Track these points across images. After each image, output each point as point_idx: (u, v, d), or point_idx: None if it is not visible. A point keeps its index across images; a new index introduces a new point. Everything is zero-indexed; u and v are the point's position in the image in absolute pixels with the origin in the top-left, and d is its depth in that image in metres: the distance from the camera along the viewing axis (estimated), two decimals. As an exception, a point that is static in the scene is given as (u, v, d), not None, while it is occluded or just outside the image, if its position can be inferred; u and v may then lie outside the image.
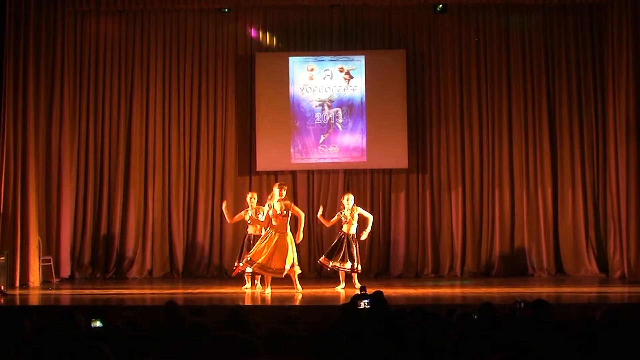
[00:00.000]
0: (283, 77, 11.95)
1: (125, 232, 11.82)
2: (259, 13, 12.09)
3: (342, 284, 9.90)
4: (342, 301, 8.45)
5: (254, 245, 9.67)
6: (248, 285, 9.95)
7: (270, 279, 9.57)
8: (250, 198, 10.22)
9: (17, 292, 10.02)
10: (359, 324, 4.90)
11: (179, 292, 10.00)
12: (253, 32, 12.10)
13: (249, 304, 8.69)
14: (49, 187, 11.23)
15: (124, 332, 4.90)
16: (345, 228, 9.96)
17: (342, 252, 9.84)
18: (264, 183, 11.94)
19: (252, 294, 9.64)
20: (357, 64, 11.98)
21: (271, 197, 9.64)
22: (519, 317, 5.34)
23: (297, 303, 8.81)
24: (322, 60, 12.02)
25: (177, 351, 4.07)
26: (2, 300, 9.10)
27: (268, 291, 9.48)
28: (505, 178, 11.86)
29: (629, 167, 10.74)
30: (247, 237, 10.20)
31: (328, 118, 11.98)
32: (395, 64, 11.93)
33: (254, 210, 10.11)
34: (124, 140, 11.94)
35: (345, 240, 9.89)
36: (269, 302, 8.92)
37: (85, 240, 11.76)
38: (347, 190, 11.49)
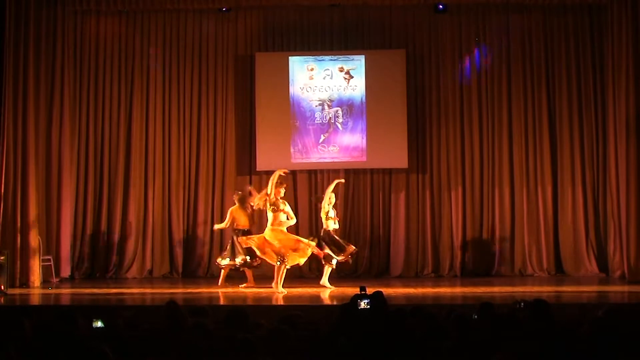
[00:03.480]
0: (283, 77, 11.95)
1: (125, 232, 11.81)
2: (259, 13, 12.09)
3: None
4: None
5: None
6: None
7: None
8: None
9: (17, 292, 10.01)
10: (358, 324, 4.90)
11: (179, 292, 10.00)
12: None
13: (249, 304, 8.69)
14: (49, 187, 11.22)
15: (124, 332, 4.90)
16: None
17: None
18: (264, 183, 11.86)
19: (254, 294, 9.65)
20: (357, 64, 11.98)
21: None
22: (519, 317, 5.33)
23: (298, 303, 8.81)
24: (322, 60, 12.02)
25: (177, 351, 4.07)
26: (2, 300, 9.10)
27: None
28: (505, 178, 11.85)
29: (629, 167, 10.74)
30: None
31: (328, 118, 11.98)
32: (395, 64, 11.93)
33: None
34: (124, 140, 11.94)
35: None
36: (269, 302, 8.92)
37: (85, 240, 11.75)
38: (346, 191, 11.79)
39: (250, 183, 11.89)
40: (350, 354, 3.99)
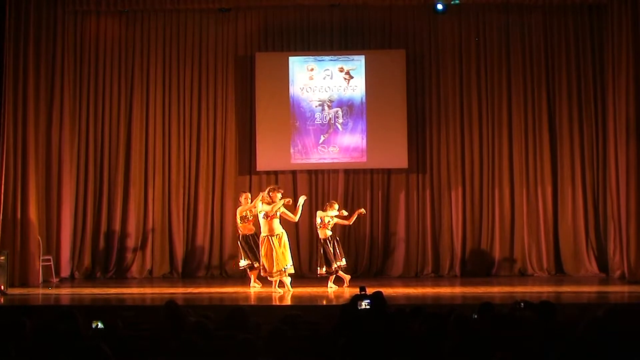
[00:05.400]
0: (283, 77, 11.95)
1: (125, 232, 11.82)
2: (259, 13, 12.09)
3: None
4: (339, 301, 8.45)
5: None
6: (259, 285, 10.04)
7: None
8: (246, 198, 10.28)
9: (17, 291, 10.01)
10: (358, 324, 4.90)
11: (179, 292, 10.00)
12: None
13: (249, 304, 8.69)
14: (49, 187, 11.23)
15: (124, 332, 4.90)
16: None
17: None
18: (264, 183, 11.92)
19: (254, 293, 9.65)
20: (357, 64, 11.98)
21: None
22: (518, 317, 5.33)
23: (298, 303, 8.81)
24: (322, 60, 12.02)
25: (177, 351, 4.07)
26: (2, 300, 9.11)
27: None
28: (505, 178, 11.86)
29: (629, 167, 10.75)
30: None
31: (328, 118, 11.98)
32: (395, 64, 11.93)
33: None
34: (124, 140, 11.95)
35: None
36: (269, 302, 8.92)
37: (85, 240, 11.76)
38: (346, 191, 11.92)
39: (250, 183, 11.93)
40: (350, 354, 3.98)
